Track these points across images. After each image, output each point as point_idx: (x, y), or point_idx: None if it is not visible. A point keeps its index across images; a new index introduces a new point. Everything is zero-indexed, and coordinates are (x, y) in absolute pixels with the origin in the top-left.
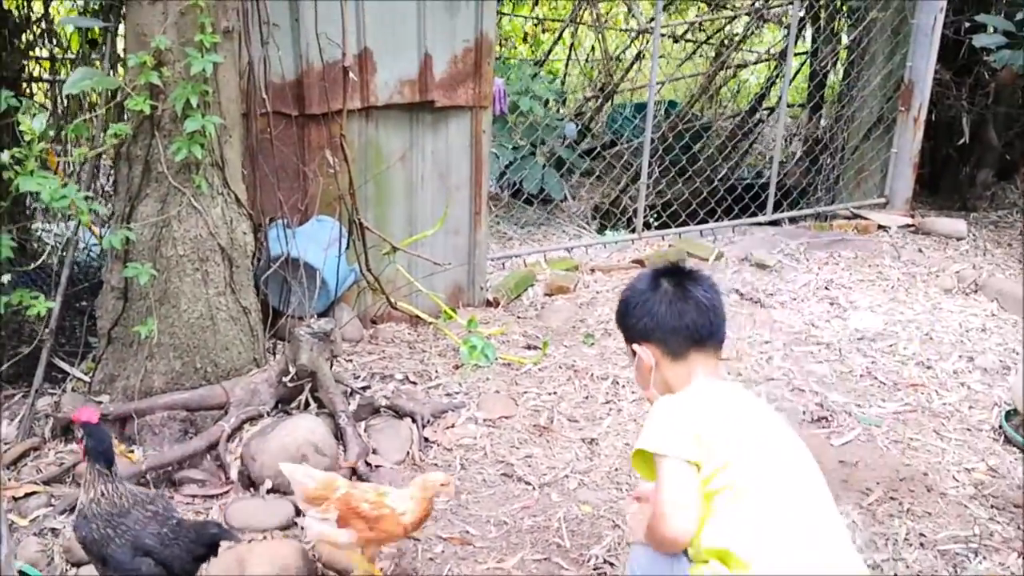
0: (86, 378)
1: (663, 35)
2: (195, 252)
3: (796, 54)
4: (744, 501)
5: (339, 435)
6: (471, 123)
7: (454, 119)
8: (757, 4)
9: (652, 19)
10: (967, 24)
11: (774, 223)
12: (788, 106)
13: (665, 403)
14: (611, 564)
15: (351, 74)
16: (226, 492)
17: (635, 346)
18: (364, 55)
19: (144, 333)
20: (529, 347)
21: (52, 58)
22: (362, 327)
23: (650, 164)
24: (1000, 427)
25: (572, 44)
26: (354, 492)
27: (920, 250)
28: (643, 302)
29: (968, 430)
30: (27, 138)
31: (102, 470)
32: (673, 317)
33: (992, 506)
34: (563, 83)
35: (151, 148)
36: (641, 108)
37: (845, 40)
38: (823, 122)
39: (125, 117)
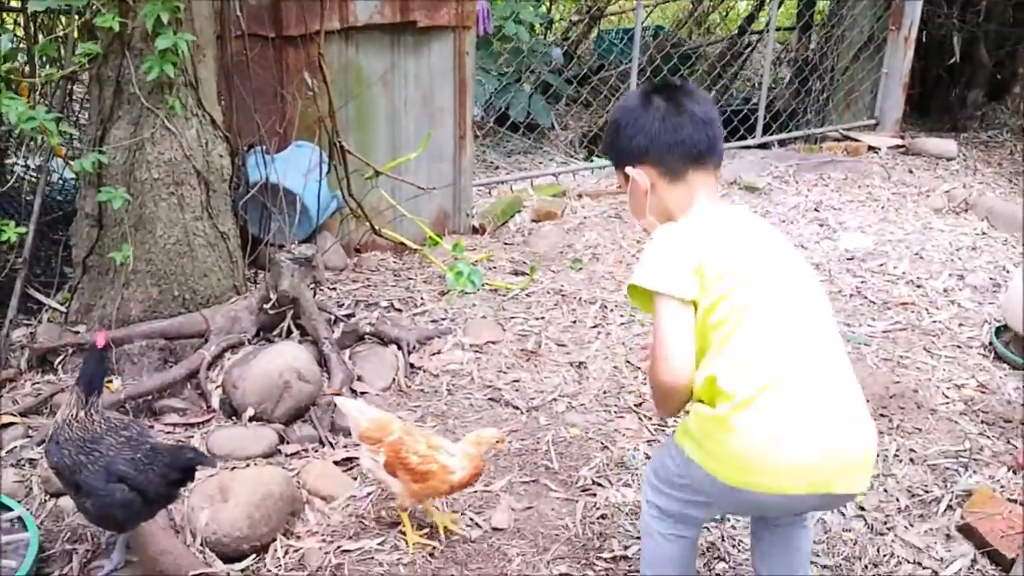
0: (62, 308)
1: None
2: (170, 175)
3: None
4: (740, 331)
5: (323, 362)
6: (454, 44)
7: (436, 40)
8: None
9: None
10: None
11: (763, 146)
12: (777, 29)
13: (664, 233)
14: (600, 485)
15: None
16: (207, 420)
17: (628, 169)
18: None
19: (119, 260)
20: (516, 273)
21: None
22: (345, 255)
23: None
24: (990, 344)
25: None
26: (406, 440)
27: (910, 171)
28: (634, 120)
29: (958, 347)
30: None
31: (81, 395)
32: (668, 133)
33: (982, 421)
34: (550, 8)
35: (122, 68)
36: (628, 33)
37: None
38: (812, 44)
39: (96, 37)
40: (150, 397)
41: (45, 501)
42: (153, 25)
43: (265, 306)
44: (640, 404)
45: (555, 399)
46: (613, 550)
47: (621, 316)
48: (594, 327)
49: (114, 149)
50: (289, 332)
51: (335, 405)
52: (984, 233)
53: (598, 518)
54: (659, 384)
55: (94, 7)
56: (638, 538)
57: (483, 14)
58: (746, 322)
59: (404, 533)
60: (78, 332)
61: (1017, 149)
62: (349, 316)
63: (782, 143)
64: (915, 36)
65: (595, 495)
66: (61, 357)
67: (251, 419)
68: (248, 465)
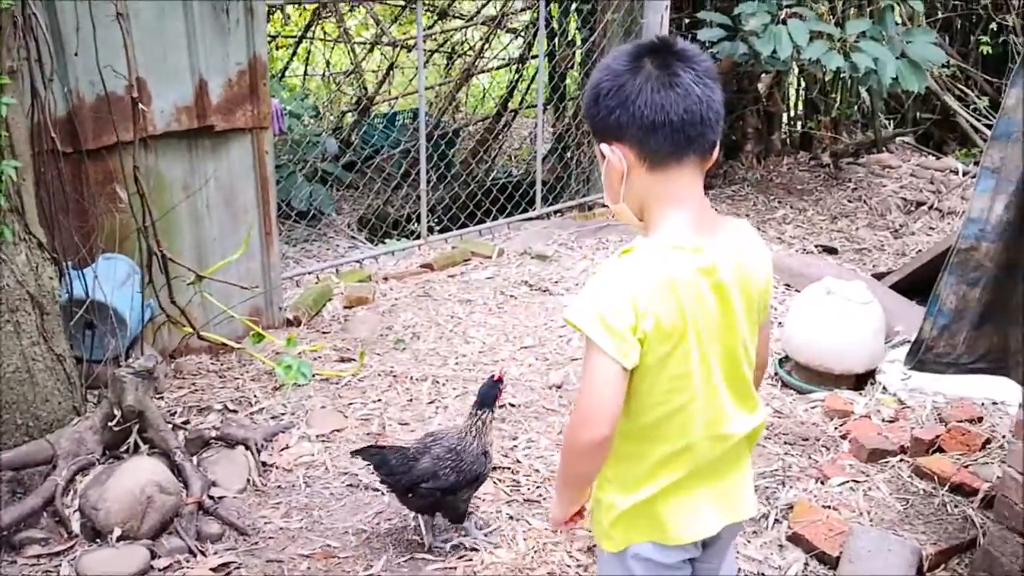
0: None
1: (399, 47)
2: (4, 303)
3: (533, 57)
4: (678, 420)
5: (177, 472)
6: (253, 145)
7: (235, 142)
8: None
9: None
10: (687, 21)
11: (542, 217)
12: (530, 107)
13: (617, 270)
14: (475, 549)
15: (139, 105)
16: (71, 547)
17: (603, 147)
18: (137, 84)
19: None
20: (343, 360)
21: None
22: (163, 363)
23: (416, 171)
24: (776, 373)
25: (307, 59)
26: None
27: None
28: (617, 88)
29: None
30: None
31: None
32: (654, 110)
33: (785, 443)
34: (305, 98)
35: None
36: (393, 119)
37: (579, 42)
38: (565, 120)
39: None
40: (6, 532)
41: None
42: None
43: (110, 423)
44: (493, 469)
45: None
46: None
47: (454, 389)
48: (431, 402)
49: None
50: (136, 447)
51: (199, 513)
52: None
53: None
54: (577, 443)
55: None
56: None
57: (277, 114)
58: (683, 415)
59: None
60: None
61: (759, 200)
62: (185, 423)
63: (559, 212)
64: None
65: (471, 560)
66: None
67: (119, 539)
68: None
